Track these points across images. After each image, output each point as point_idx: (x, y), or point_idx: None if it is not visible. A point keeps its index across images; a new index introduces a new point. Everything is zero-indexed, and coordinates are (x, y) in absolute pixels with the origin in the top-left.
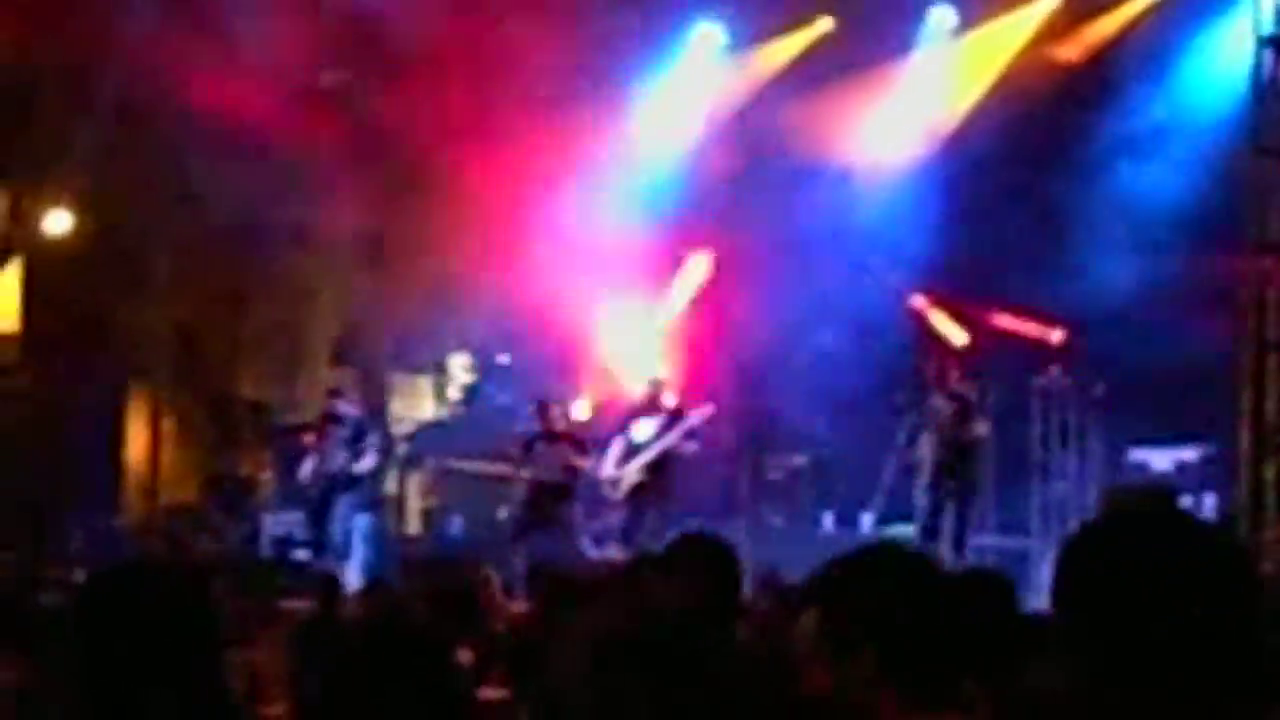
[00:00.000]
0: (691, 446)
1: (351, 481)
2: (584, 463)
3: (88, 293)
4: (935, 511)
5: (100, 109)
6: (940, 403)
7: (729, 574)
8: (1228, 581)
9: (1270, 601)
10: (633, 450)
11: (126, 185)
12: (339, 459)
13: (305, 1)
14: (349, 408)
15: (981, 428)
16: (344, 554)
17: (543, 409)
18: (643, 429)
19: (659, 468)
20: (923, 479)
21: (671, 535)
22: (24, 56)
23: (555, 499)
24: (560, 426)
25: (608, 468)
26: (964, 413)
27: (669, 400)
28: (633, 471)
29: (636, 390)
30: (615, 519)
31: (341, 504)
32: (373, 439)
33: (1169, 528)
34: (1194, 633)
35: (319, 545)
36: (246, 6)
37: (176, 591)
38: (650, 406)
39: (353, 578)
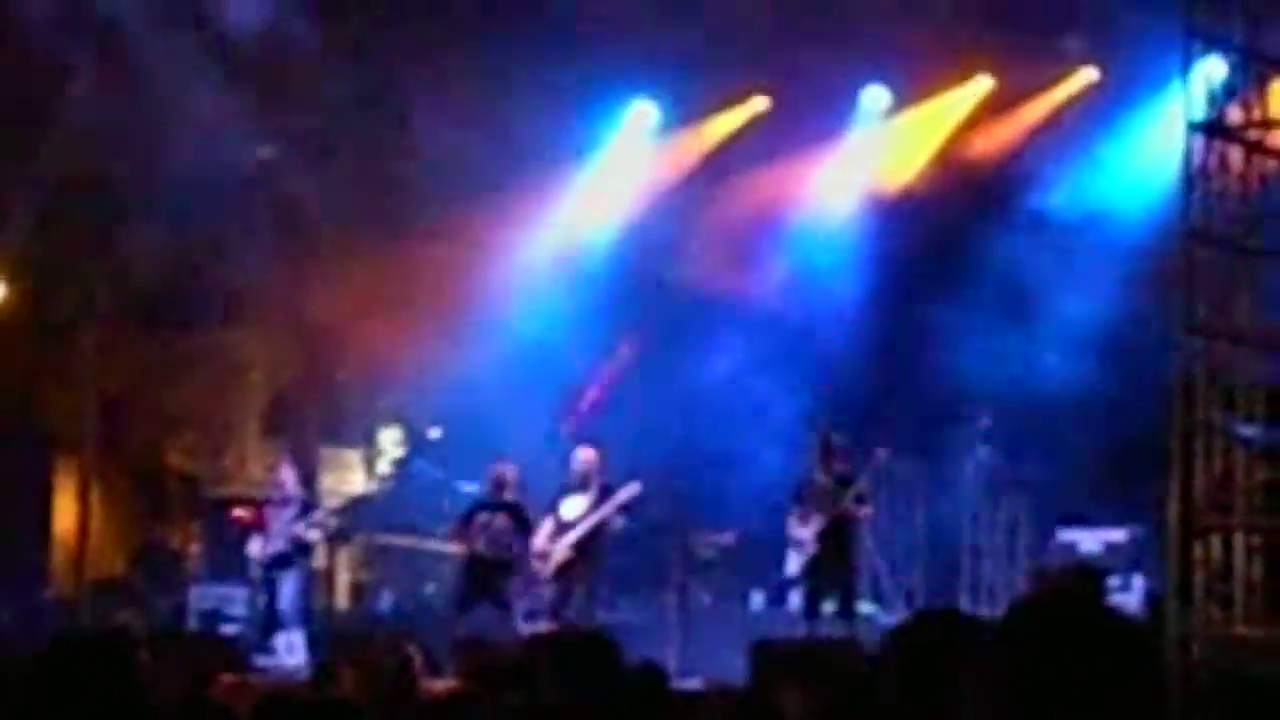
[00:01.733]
0: (620, 522)
1: (299, 550)
2: (524, 539)
3: (15, 363)
4: (817, 589)
5: (35, 180)
6: (822, 479)
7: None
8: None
9: (1195, 687)
10: (563, 527)
11: (56, 256)
12: (285, 534)
13: (240, 76)
14: (291, 483)
15: (866, 509)
16: (277, 626)
17: (499, 477)
18: (572, 505)
19: (588, 544)
20: (802, 556)
21: (597, 612)
22: None
23: (494, 573)
24: (507, 497)
25: (539, 543)
26: (844, 491)
27: (596, 477)
28: (563, 548)
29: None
30: (547, 594)
31: (287, 579)
32: (316, 514)
33: (1088, 618)
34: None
35: (268, 621)
36: (183, 80)
37: (102, 664)
38: (580, 483)
39: (285, 652)
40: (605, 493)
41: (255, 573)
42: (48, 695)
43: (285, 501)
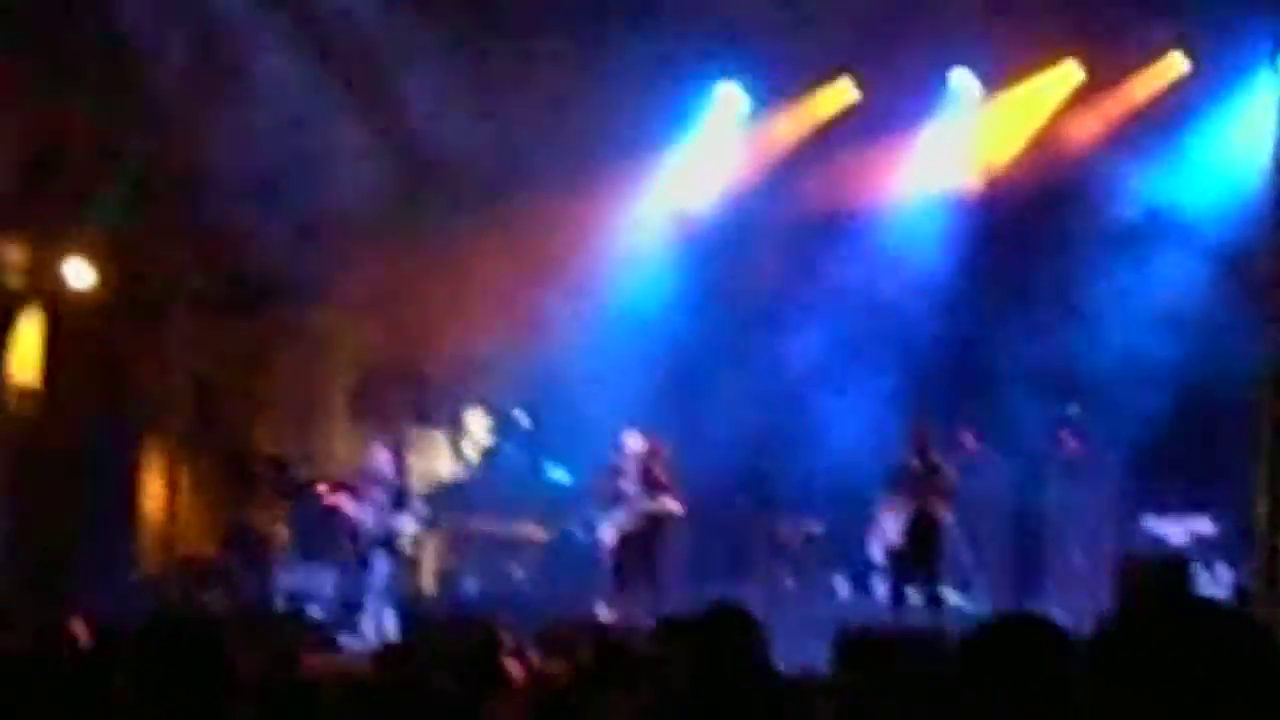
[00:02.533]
0: (674, 507)
1: (391, 540)
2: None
3: (108, 346)
4: (903, 577)
5: (126, 162)
6: (915, 465)
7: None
8: (1251, 668)
9: None
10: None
11: (148, 238)
12: (381, 523)
13: (332, 58)
14: (385, 465)
15: (950, 498)
16: (360, 609)
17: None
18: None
19: (640, 531)
20: (889, 543)
21: (656, 599)
22: (55, 110)
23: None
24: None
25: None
26: (934, 479)
27: (649, 464)
28: (613, 532)
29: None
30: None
31: (384, 560)
32: (414, 502)
33: (1188, 618)
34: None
35: (351, 604)
36: (276, 61)
37: (191, 645)
38: (630, 468)
39: (369, 633)
40: (651, 483)
41: (348, 551)
42: (143, 677)
43: (380, 483)
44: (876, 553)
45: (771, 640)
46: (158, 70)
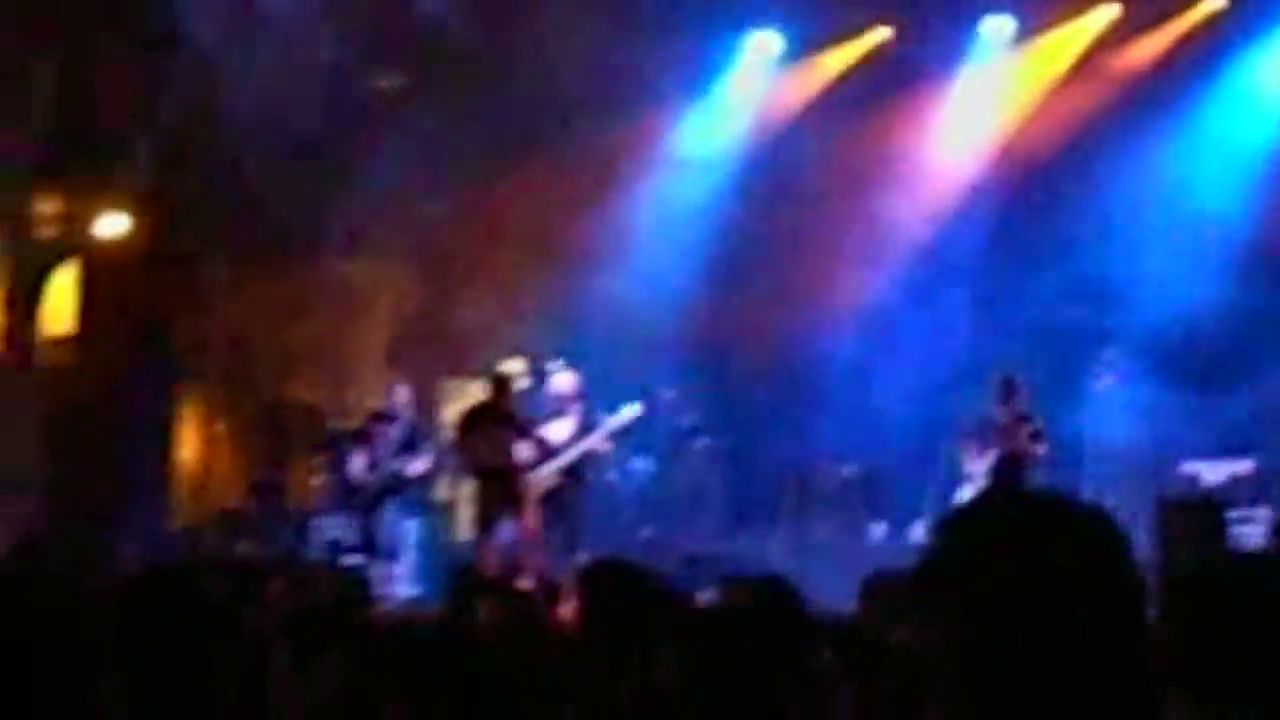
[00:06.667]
0: (609, 448)
1: (402, 484)
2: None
3: (143, 296)
4: None
5: (160, 114)
6: (1002, 416)
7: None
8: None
9: None
10: (547, 452)
11: (183, 190)
12: (390, 460)
13: (363, 6)
14: (402, 409)
15: (1041, 446)
16: (392, 557)
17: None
18: (557, 430)
19: (576, 470)
20: (973, 489)
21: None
22: (89, 61)
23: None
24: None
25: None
26: (1022, 428)
27: (577, 402)
28: (549, 474)
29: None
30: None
31: (391, 507)
32: (425, 443)
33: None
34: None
35: (368, 547)
36: (301, 12)
37: (226, 591)
38: (561, 407)
39: (402, 583)
40: (588, 417)
41: (356, 499)
42: (170, 622)
43: (394, 420)
44: (965, 499)
45: (804, 584)
46: (192, 22)
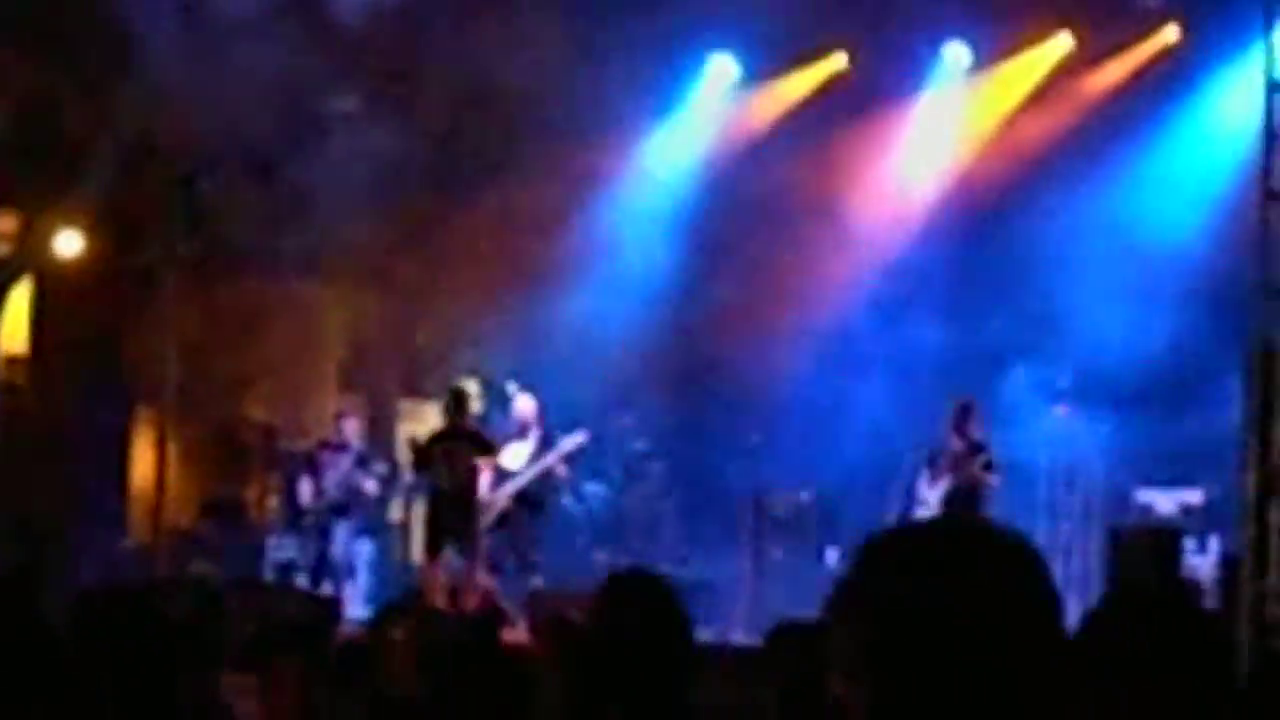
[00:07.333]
0: (565, 472)
1: (351, 505)
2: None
3: (97, 314)
4: None
5: (117, 133)
6: (956, 445)
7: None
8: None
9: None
10: (503, 476)
11: (138, 208)
12: (339, 483)
13: (315, 26)
14: (352, 433)
15: (994, 477)
16: (345, 577)
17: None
18: (512, 454)
19: (531, 494)
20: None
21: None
22: (45, 79)
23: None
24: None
25: (480, 493)
26: (975, 458)
27: (535, 426)
28: (503, 497)
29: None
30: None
31: (341, 528)
32: (376, 464)
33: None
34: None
35: (317, 570)
36: (257, 32)
37: (179, 611)
38: (519, 432)
39: (355, 604)
40: (546, 442)
41: (307, 520)
42: (122, 642)
43: (343, 448)
44: None
45: (760, 608)
46: (148, 39)
